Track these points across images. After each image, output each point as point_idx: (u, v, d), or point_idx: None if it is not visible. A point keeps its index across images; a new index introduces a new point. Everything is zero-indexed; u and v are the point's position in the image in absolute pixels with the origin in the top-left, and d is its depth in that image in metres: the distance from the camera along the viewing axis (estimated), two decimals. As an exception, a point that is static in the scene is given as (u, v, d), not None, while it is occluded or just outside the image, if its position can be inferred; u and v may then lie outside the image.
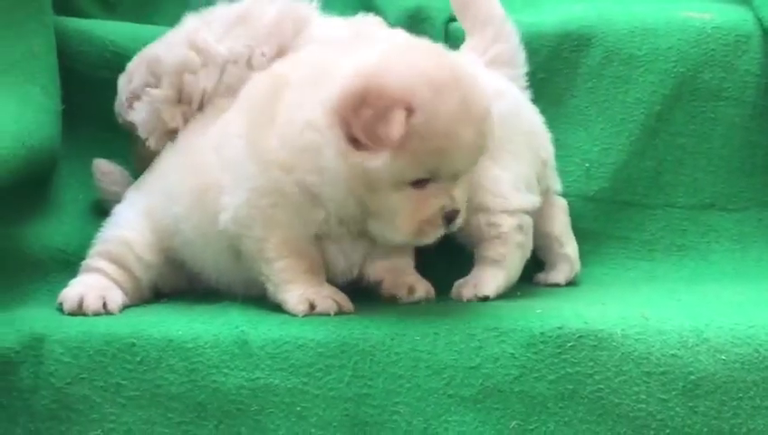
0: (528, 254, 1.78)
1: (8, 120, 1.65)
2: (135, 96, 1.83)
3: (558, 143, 2.03)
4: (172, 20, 2.45)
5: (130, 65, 1.88)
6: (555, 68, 2.06)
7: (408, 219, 1.49)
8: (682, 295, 1.73)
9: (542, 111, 2.01)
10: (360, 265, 1.64)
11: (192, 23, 1.82)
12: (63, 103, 1.95)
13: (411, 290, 1.63)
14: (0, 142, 1.56)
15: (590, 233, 2.00)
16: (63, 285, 1.78)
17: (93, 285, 1.65)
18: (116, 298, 1.64)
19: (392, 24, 1.95)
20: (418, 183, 1.49)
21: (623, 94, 2.03)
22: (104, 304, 1.61)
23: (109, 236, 1.72)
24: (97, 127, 2.06)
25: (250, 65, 1.71)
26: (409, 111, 1.42)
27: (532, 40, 2.03)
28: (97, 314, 1.60)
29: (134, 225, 1.71)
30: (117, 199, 1.86)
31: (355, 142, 1.45)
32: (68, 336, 1.44)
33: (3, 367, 1.42)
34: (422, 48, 1.57)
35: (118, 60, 2.02)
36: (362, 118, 1.42)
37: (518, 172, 1.75)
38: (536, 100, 1.95)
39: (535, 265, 1.89)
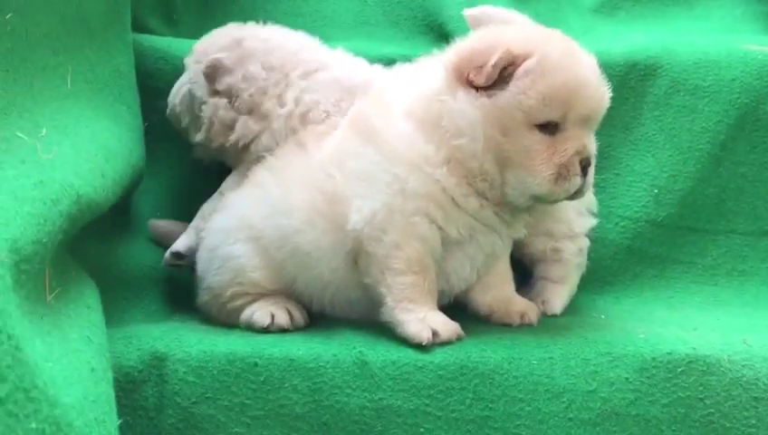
0: (584, 269, 1.94)
1: (113, 140, 1.64)
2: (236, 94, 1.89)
3: (627, 169, 2.11)
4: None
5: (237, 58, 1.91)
6: (623, 96, 2.12)
7: (545, 161, 1.54)
8: (761, 320, 1.80)
9: (611, 137, 2.11)
10: (479, 271, 1.67)
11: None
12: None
13: (523, 317, 1.69)
14: (113, 163, 1.55)
15: (656, 257, 2.07)
16: (156, 302, 1.79)
17: (276, 303, 1.69)
18: (296, 311, 1.69)
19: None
20: (549, 129, 1.54)
21: (690, 123, 2.10)
22: (291, 318, 1.67)
23: (241, 279, 1.71)
24: (172, 144, 2.08)
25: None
26: (524, 55, 1.53)
27: (600, 68, 2.08)
28: (285, 330, 1.65)
29: (255, 263, 1.71)
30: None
31: (476, 90, 1.55)
32: (189, 356, 1.46)
33: (127, 386, 1.43)
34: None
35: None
36: (475, 63, 1.54)
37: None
38: (605, 126, 1.99)
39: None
